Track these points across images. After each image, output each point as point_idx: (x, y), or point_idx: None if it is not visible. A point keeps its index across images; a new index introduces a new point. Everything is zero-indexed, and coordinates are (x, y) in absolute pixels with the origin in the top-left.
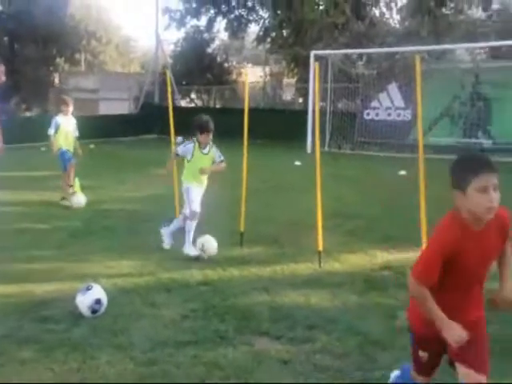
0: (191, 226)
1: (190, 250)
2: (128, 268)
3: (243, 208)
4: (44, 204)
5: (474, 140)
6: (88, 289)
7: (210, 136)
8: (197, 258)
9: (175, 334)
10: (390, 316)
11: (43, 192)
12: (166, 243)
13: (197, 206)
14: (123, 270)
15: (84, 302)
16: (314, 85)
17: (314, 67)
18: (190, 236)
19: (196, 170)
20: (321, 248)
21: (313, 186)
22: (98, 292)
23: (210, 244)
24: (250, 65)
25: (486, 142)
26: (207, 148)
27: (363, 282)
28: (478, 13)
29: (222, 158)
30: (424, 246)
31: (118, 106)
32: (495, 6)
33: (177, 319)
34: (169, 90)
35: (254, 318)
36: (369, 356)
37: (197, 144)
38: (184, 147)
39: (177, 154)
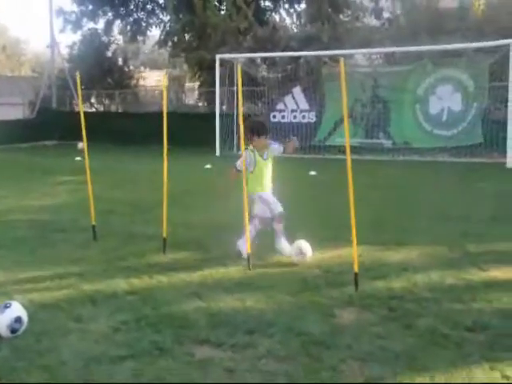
0: (281, 227)
1: (285, 247)
2: (45, 282)
3: (165, 213)
4: None
5: (375, 140)
6: (6, 306)
7: (267, 140)
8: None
9: (109, 349)
10: (327, 315)
11: None
12: (244, 254)
13: (280, 207)
14: (40, 285)
15: (2, 321)
16: (220, 88)
17: (219, 71)
18: (283, 237)
19: (262, 178)
20: (249, 250)
21: (228, 189)
22: (17, 309)
23: (306, 245)
24: (147, 69)
25: (386, 142)
26: (266, 153)
27: (296, 283)
28: (372, 21)
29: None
30: (355, 243)
31: (11, 111)
32: (386, 14)
33: (108, 333)
34: (79, 94)
35: (191, 326)
36: (314, 357)
37: (255, 152)
38: (247, 160)
39: (238, 170)
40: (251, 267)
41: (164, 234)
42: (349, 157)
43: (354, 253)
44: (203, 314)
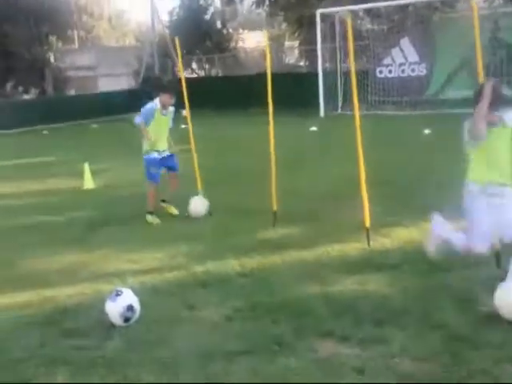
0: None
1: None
2: (155, 262)
3: (274, 184)
4: (50, 193)
5: None
6: (118, 294)
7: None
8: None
9: (223, 342)
10: (467, 301)
11: (48, 180)
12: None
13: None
14: (150, 265)
15: (115, 309)
16: (323, 45)
17: (320, 26)
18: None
19: (495, 161)
20: (368, 224)
21: (336, 152)
22: (129, 297)
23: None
24: (246, 31)
25: (509, 94)
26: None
27: (423, 262)
28: None
29: None
30: None
31: (118, 81)
32: None
33: (221, 322)
34: (180, 60)
35: (311, 315)
36: (459, 357)
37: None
38: None
39: None
40: (370, 243)
41: (274, 208)
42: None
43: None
44: (323, 301)
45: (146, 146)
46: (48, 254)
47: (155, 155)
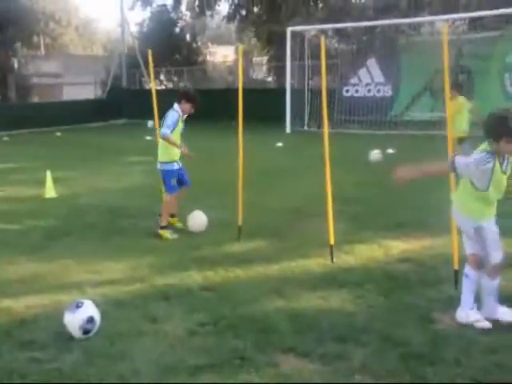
0: (494, 286)
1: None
2: (117, 273)
3: (240, 198)
4: (10, 201)
5: None
6: (78, 306)
7: None
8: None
9: (186, 356)
10: (426, 320)
11: (8, 187)
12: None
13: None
14: (112, 276)
15: (74, 321)
16: (292, 62)
17: (290, 44)
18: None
19: (492, 199)
20: (332, 241)
21: (302, 169)
22: (89, 309)
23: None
24: (215, 45)
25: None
26: (505, 162)
27: (385, 279)
28: None
29: None
30: (454, 233)
31: (83, 90)
32: None
33: (184, 336)
34: (151, 72)
35: (274, 331)
36: (417, 374)
37: (496, 158)
38: (479, 162)
39: (454, 169)
40: (334, 260)
41: (239, 222)
42: (450, 135)
43: (453, 245)
44: (286, 316)
45: (165, 157)
46: (6, 264)
47: (175, 166)
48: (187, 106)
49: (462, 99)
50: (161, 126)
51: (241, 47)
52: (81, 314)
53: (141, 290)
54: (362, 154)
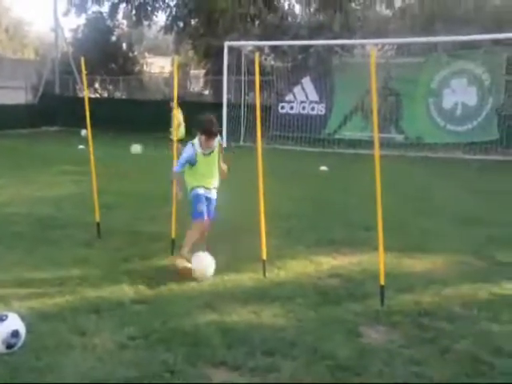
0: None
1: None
2: (45, 286)
3: (174, 212)
4: None
5: (386, 135)
6: (2, 319)
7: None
8: None
9: (115, 370)
10: (353, 334)
11: None
12: None
13: None
14: (39, 289)
15: None
16: (228, 77)
17: (227, 58)
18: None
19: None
20: (264, 256)
21: (237, 184)
22: (14, 322)
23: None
24: (151, 55)
25: (398, 137)
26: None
27: (315, 294)
28: (385, 10)
29: None
30: (381, 251)
31: (13, 95)
32: (397, 3)
33: (114, 349)
34: (84, 79)
35: (205, 344)
36: None
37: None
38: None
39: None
40: (266, 274)
41: (173, 235)
42: (377, 155)
43: (380, 261)
44: (217, 330)
45: (192, 182)
46: None
47: (201, 191)
48: (204, 140)
49: None
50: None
51: (176, 59)
52: (5, 328)
53: (70, 302)
54: (297, 169)
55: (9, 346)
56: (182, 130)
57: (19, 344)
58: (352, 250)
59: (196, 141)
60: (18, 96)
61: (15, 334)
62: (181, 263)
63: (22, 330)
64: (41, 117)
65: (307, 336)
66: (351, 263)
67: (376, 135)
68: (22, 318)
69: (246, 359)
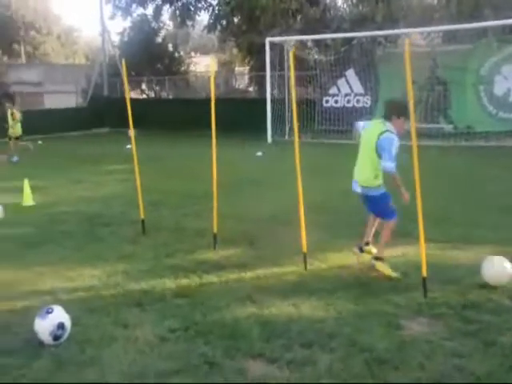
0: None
1: None
2: (92, 280)
3: (215, 206)
4: None
5: (434, 125)
6: (48, 312)
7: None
8: None
9: (154, 362)
10: (394, 326)
11: None
12: None
13: None
14: (86, 283)
15: (44, 327)
16: (271, 72)
17: (269, 54)
18: None
19: None
20: (305, 249)
21: (280, 178)
22: (60, 315)
23: None
24: (197, 54)
25: (447, 127)
26: None
27: (356, 287)
28: None
29: None
30: (422, 243)
31: (65, 98)
32: None
33: (154, 342)
34: (125, 81)
35: (244, 337)
36: (380, 378)
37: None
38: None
39: None
40: (308, 267)
41: (214, 230)
42: (415, 144)
43: (422, 253)
44: (256, 323)
45: (378, 180)
46: None
47: (384, 189)
48: (400, 124)
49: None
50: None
51: (212, 60)
52: (51, 320)
53: (114, 296)
54: (342, 163)
55: (55, 338)
56: (19, 127)
57: (65, 336)
58: (396, 241)
59: (389, 126)
60: (69, 100)
61: (61, 326)
62: (383, 268)
63: (68, 322)
64: (90, 119)
65: (346, 328)
66: (394, 255)
67: (413, 125)
68: (69, 311)
69: (284, 351)
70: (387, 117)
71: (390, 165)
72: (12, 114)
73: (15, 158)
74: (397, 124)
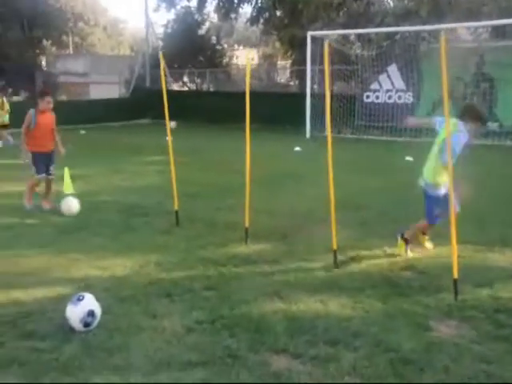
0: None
1: None
2: (124, 269)
3: (247, 200)
4: None
5: None
6: (79, 299)
7: None
8: None
9: (180, 352)
10: (422, 327)
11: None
12: None
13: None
14: (118, 272)
15: (75, 314)
16: (312, 67)
17: (311, 48)
18: None
19: None
20: (335, 247)
21: (316, 174)
22: (90, 302)
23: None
24: (241, 47)
25: (492, 125)
26: None
27: (386, 286)
28: None
29: None
30: (454, 243)
31: (109, 89)
32: None
33: (181, 333)
34: (162, 74)
35: (269, 332)
36: (404, 378)
37: None
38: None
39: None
40: (338, 264)
41: (246, 224)
42: (449, 143)
43: (453, 254)
44: (282, 318)
45: (439, 178)
46: (19, 256)
47: (442, 191)
48: (476, 125)
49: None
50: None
51: (248, 54)
52: (82, 308)
53: (145, 286)
54: (381, 160)
55: (85, 325)
56: (7, 117)
57: (95, 323)
58: (430, 242)
59: (461, 126)
60: (113, 90)
61: (91, 313)
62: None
63: (98, 310)
64: (132, 110)
65: (372, 327)
66: (428, 256)
67: (448, 121)
68: (101, 299)
69: (308, 348)
70: (462, 118)
71: (447, 158)
72: (2, 104)
73: (11, 141)
74: (470, 127)
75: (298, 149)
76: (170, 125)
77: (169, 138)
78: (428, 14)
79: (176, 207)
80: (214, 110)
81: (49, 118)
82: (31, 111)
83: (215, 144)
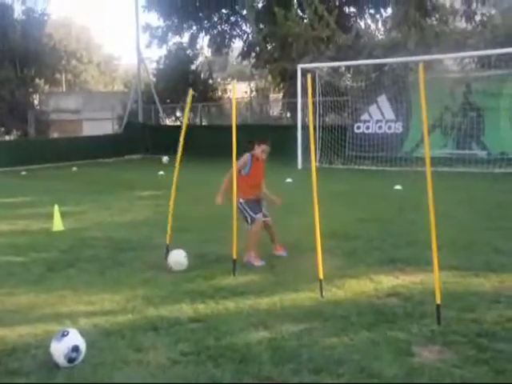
0: None
1: None
2: (111, 305)
3: (235, 231)
4: (18, 234)
5: (467, 151)
6: (64, 335)
7: None
8: None
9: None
10: (405, 353)
11: (18, 220)
12: None
13: None
14: (105, 308)
15: (59, 349)
16: (302, 99)
17: (301, 81)
18: None
19: None
20: (321, 276)
21: (306, 205)
22: (74, 338)
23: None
24: (234, 80)
25: (481, 153)
26: None
27: (371, 313)
28: (463, 24)
29: None
30: (436, 269)
31: (102, 125)
32: (477, 17)
33: (165, 365)
34: (186, 110)
35: (253, 361)
36: None
37: None
38: None
39: None
40: (325, 293)
41: (234, 256)
42: (429, 170)
43: (435, 280)
44: (267, 347)
45: None
46: (6, 295)
47: None
48: None
49: None
50: None
51: (234, 85)
52: (66, 343)
53: (131, 320)
54: (370, 189)
55: (70, 361)
56: None
57: (80, 359)
58: (416, 269)
59: None
60: (106, 126)
61: (75, 348)
62: None
63: (83, 345)
64: (125, 145)
65: (356, 354)
66: (413, 282)
67: (427, 150)
68: (87, 334)
69: (292, 376)
70: None
71: None
72: None
73: None
74: None
75: (289, 180)
76: (164, 160)
77: (165, 173)
78: (415, 45)
79: (168, 242)
80: (205, 144)
81: None
82: None
83: (207, 177)
